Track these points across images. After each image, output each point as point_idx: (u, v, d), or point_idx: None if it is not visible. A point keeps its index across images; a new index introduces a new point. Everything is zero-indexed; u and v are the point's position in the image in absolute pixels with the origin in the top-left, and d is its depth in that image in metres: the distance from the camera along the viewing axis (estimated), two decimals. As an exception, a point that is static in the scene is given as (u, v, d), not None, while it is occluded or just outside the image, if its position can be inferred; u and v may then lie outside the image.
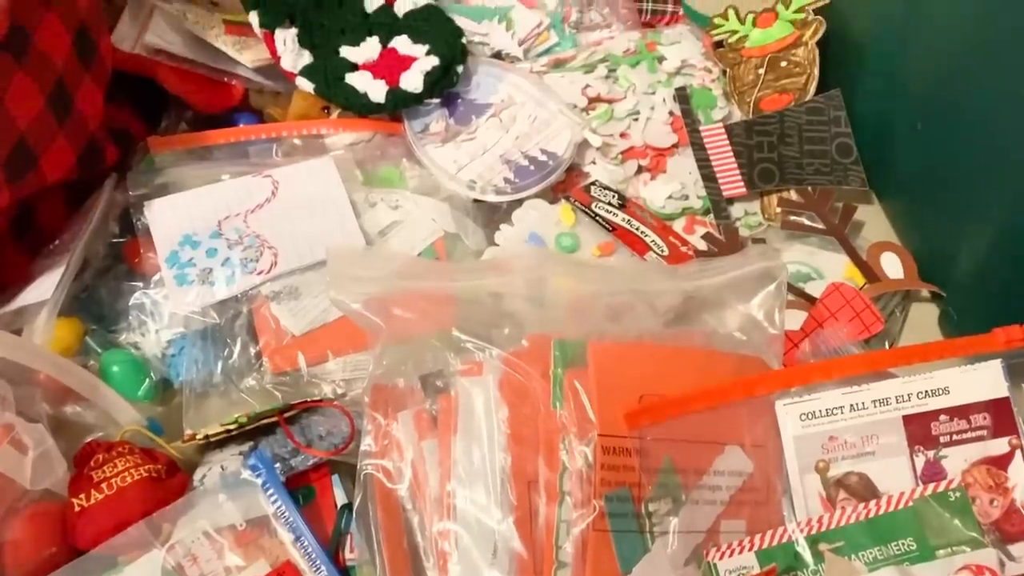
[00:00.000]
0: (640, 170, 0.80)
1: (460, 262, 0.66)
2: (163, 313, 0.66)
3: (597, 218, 0.74)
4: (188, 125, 0.81)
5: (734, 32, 0.88)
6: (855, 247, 0.74)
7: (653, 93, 0.83)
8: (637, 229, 0.74)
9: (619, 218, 0.74)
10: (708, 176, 0.79)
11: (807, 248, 0.75)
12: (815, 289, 0.71)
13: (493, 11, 0.92)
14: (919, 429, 0.52)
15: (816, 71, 0.82)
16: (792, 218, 0.76)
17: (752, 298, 0.56)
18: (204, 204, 0.69)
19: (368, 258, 0.61)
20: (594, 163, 0.80)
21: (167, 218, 0.68)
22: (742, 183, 0.79)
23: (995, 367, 0.52)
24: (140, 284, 0.68)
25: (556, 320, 0.52)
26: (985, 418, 0.52)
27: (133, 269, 0.69)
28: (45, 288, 0.64)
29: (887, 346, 0.69)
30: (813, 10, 0.84)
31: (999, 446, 0.52)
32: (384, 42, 0.81)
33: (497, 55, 0.89)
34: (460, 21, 0.90)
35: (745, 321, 0.55)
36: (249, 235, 0.68)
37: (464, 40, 0.81)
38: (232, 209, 0.69)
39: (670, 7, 0.95)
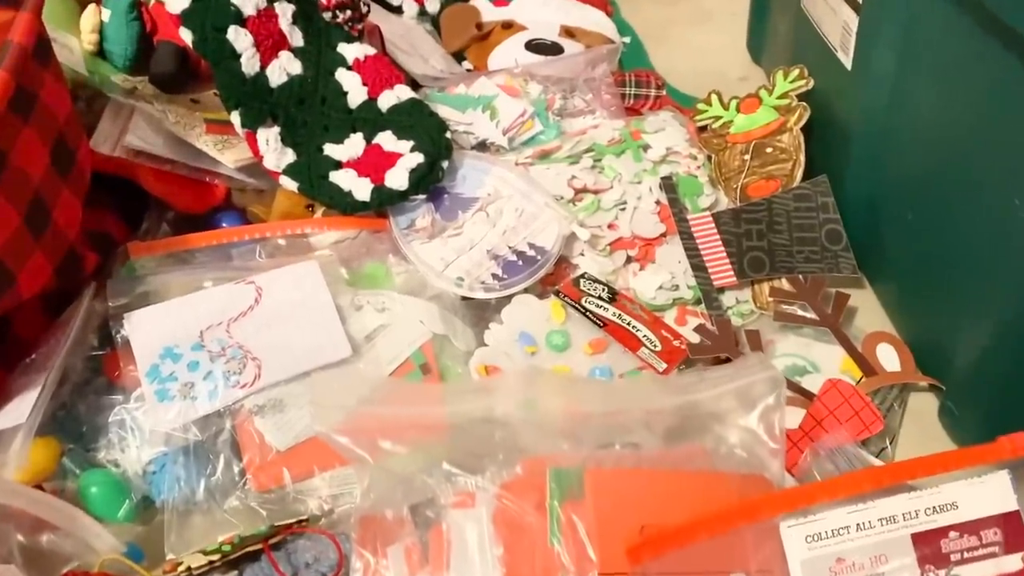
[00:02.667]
0: (629, 260, 0.80)
1: (447, 384, 0.65)
2: (144, 429, 0.64)
3: (588, 314, 0.73)
4: (170, 226, 0.80)
5: (718, 118, 0.88)
6: (850, 337, 0.73)
7: (639, 182, 0.83)
8: (628, 324, 0.73)
9: (610, 313, 0.73)
10: (698, 266, 0.78)
11: (801, 339, 0.74)
12: (812, 384, 0.70)
13: (477, 100, 0.92)
14: (929, 547, 0.50)
15: (802, 157, 0.82)
16: (785, 308, 0.76)
17: (751, 411, 0.55)
18: (185, 314, 0.67)
19: (353, 383, 0.59)
20: (582, 255, 0.79)
21: (147, 330, 0.67)
22: (732, 273, 0.78)
23: (1003, 479, 0.51)
24: (120, 398, 0.66)
25: (550, 443, 0.50)
26: (996, 533, 0.50)
27: (113, 383, 0.67)
28: (21, 411, 0.61)
29: (887, 443, 0.67)
30: (797, 96, 0.84)
31: (1012, 563, 0.50)
32: (368, 138, 0.81)
33: (482, 145, 0.89)
34: (444, 111, 0.90)
35: (745, 436, 0.54)
36: (232, 346, 0.66)
37: (449, 134, 0.81)
38: (214, 318, 0.67)
39: (653, 91, 0.96)
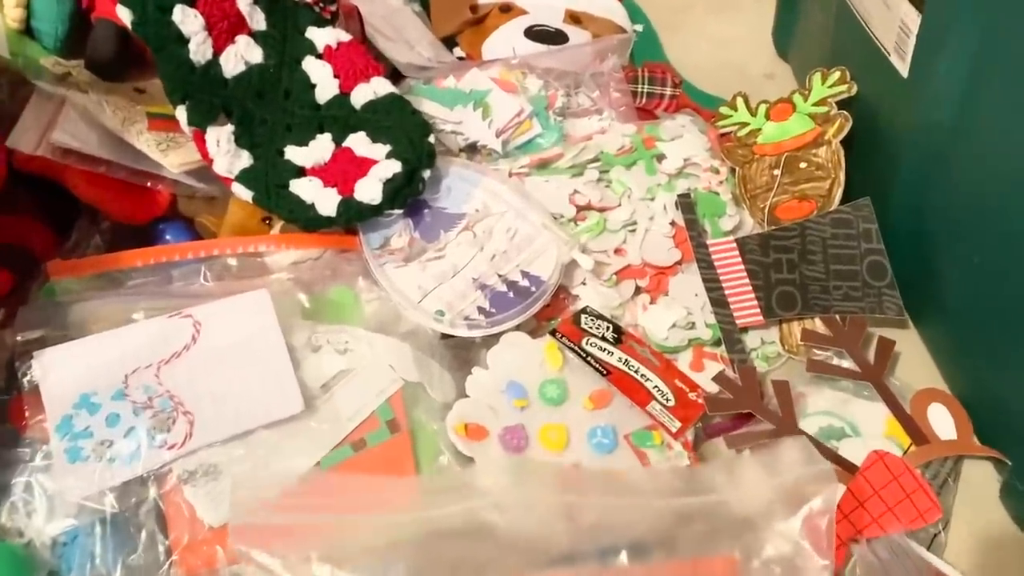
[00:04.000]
0: (638, 291, 0.68)
1: (410, 480, 0.53)
2: (53, 495, 0.53)
3: (589, 359, 0.62)
4: (104, 238, 0.68)
5: (744, 124, 0.76)
6: (895, 394, 0.62)
7: (652, 199, 0.72)
8: (636, 372, 0.62)
9: (615, 358, 0.62)
10: (718, 301, 0.67)
11: (838, 395, 0.63)
12: (851, 451, 0.60)
13: (467, 96, 0.80)
14: None
15: (841, 175, 0.71)
16: (818, 355, 0.65)
17: (793, 515, 0.44)
18: (108, 354, 0.56)
19: (286, 484, 0.47)
20: (584, 284, 0.68)
21: (61, 373, 0.55)
22: (758, 310, 0.67)
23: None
24: (27, 452, 0.55)
25: (543, 557, 0.39)
26: None
27: (19, 434, 0.56)
28: None
29: (940, 528, 0.57)
30: (836, 103, 0.73)
31: None
32: (338, 140, 0.69)
33: (471, 147, 0.78)
34: (429, 107, 0.79)
35: (785, 546, 0.43)
36: (161, 395, 0.55)
37: (432, 137, 0.69)
38: (142, 359, 0.56)
39: (668, 89, 0.84)
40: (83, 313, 0.59)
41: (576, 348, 0.62)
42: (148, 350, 0.57)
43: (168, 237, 0.69)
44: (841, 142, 0.71)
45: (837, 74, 0.73)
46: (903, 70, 0.64)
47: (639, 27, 1.00)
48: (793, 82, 0.97)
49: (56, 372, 0.55)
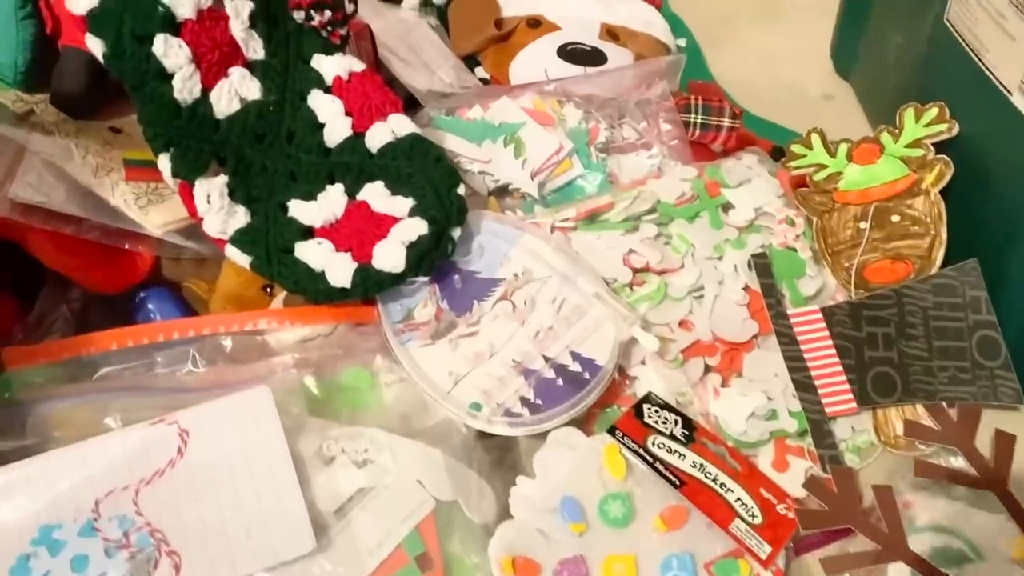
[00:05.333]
0: (707, 371, 0.58)
1: None
2: (3, 659, 0.43)
3: (657, 465, 0.51)
4: (71, 309, 0.58)
5: (821, 167, 0.66)
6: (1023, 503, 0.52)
7: (719, 258, 0.61)
8: (715, 481, 0.51)
9: (687, 462, 0.52)
10: (804, 384, 0.57)
11: (953, 504, 0.53)
12: (974, 578, 0.49)
13: (497, 129, 0.69)
14: None
15: (943, 232, 0.60)
16: (925, 453, 0.54)
17: None
18: (76, 474, 0.46)
19: None
20: (643, 363, 0.58)
21: (18, 499, 0.45)
22: (851, 396, 0.57)
23: None
24: (-24, 594, 0.45)
25: None
26: None
27: (-35, 572, 0.46)
28: None
29: None
30: (934, 145, 0.62)
31: None
32: (351, 192, 0.59)
33: (502, 190, 0.67)
34: (453, 143, 0.68)
35: None
36: (140, 529, 0.44)
37: (462, 188, 0.59)
38: (118, 480, 0.46)
39: (727, 121, 0.73)
40: (45, 417, 0.49)
41: (641, 451, 0.52)
42: (125, 468, 0.46)
43: (151, 306, 0.59)
44: (940, 192, 0.61)
45: (935, 111, 0.63)
46: (1030, 113, 0.53)
47: (681, 41, 0.89)
48: (856, 105, 0.87)
49: (11, 499, 0.45)
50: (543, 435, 0.53)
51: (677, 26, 0.91)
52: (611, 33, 0.81)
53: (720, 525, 0.50)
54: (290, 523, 0.45)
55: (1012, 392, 0.57)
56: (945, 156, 0.61)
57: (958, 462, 0.54)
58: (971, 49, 0.59)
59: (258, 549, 0.44)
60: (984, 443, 0.54)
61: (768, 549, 0.49)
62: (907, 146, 0.63)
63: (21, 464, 0.46)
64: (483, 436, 0.53)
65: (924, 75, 0.67)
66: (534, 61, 0.77)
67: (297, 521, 0.45)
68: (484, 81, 0.78)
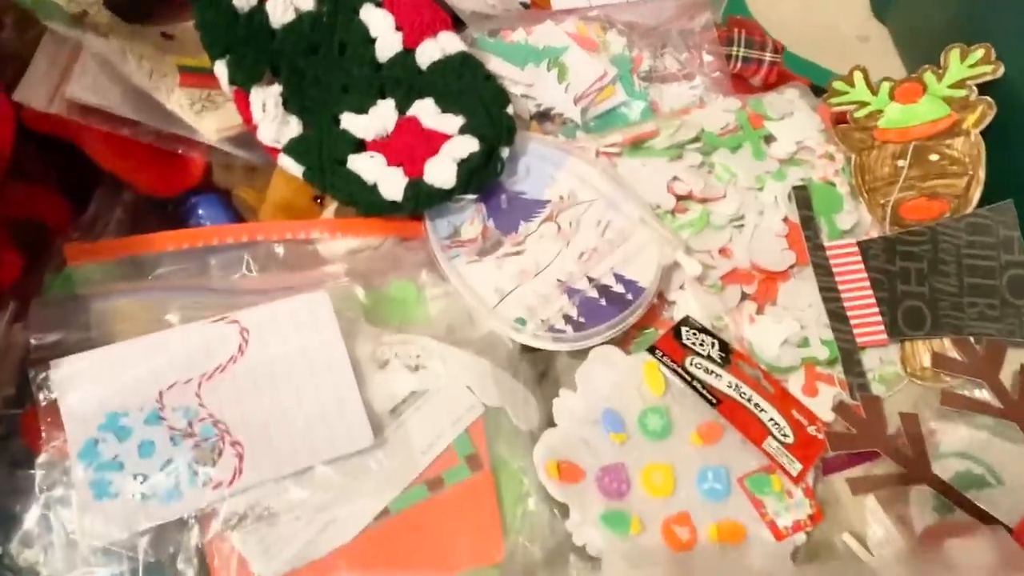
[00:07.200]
0: (743, 298, 0.60)
1: None
2: (73, 536, 0.45)
3: (695, 383, 0.53)
4: (126, 212, 0.59)
5: (863, 104, 0.66)
6: (1043, 435, 0.54)
7: (760, 189, 0.62)
8: (749, 400, 0.53)
9: (724, 383, 0.54)
10: (837, 314, 0.59)
11: (976, 433, 0.55)
12: (992, 502, 0.52)
13: (540, 53, 0.69)
14: None
15: (981, 173, 0.61)
16: (951, 385, 0.56)
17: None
18: (140, 365, 0.47)
19: None
20: (682, 288, 0.59)
21: (84, 388, 0.47)
22: (882, 328, 0.58)
23: None
24: (42, 475, 0.47)
25: None
26: None
27: (34, 455, 0.48)
28: None
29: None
30: (977, 87, 0.63)
31: None
32: (402, 108, 0.59)
33: (543, 115, 0.68)
34: (496, 65, 0.68)
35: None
36: (204, 420, 0.46)
37: (511, 109, 0.59)
38: (180, 374, 0.47)
39: (768, 55, 0.73)
40: (107, 311, 0.50)
41: (679, 370, 0.54)
42: (187, 362, 0.48)
43: (201, 212, 0.60)
44: (981, 133, 0.62)
45: (980, 52, 0.63)
46: (1080, 56, 0.54)
47: (721, -24, 0.88)
48: (891, 47, 0.86)
49: (78, 386, 0.46)
50: (583, 352, 0.54)
51: (717, -40, 0.91)
52: (654, -38, 0.80)
53: (754, 442, 0.52)
54: (349, 419, 0.47)
55: (1038, 330, 0.58)
56: (988, 97, 0.62)
57: (982, 395, 0.56)
58: (1023, -10, 0.59)
59: (318, 443, 0.46)
60: (1007, 377, 0.56)
61: (799, 467, 0.52)
62: (950, 86, 0.64)
63: (88, 354, 0.47)
64: (526, 351, 0.55)
65: (963, 15, 0.67)
66: (576, -14, 0.77)
67: (356, 417, 0.47)
68: (524, 5, 0.78)
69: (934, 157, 0.62)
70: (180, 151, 0.58)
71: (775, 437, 0.52)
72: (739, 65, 0.73)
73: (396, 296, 0.56)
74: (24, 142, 0.55)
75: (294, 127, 0.57)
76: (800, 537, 0.50)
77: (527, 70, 0.69)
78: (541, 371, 0.55)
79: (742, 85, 0.74)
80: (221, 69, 0.55)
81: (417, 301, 0.56)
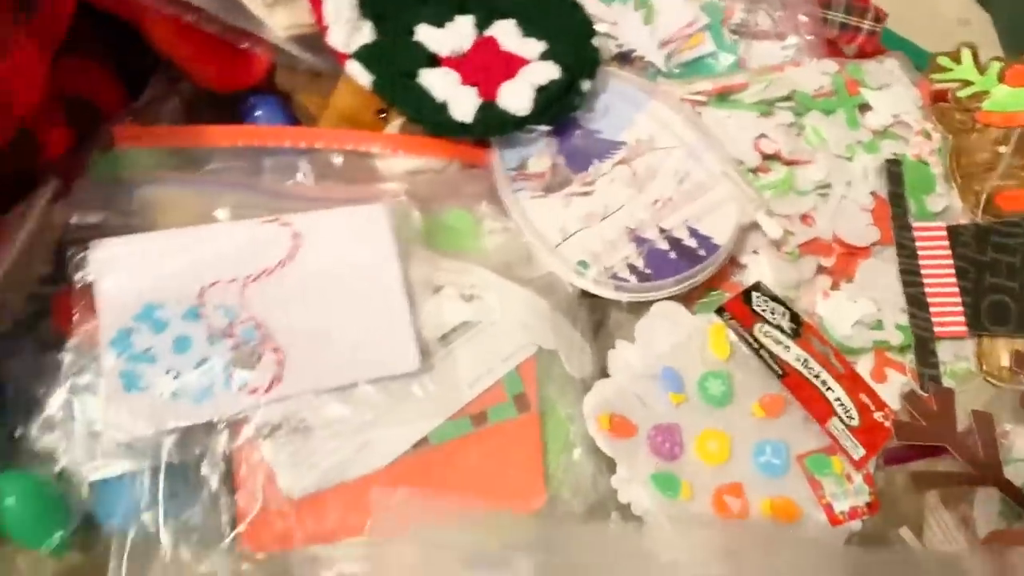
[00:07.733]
0: (819, 271, 0.56)
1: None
2: (98, 427, 0.43)
3: (762, 352, 0.50)
4: (183, 103, 0.56)
5: (967, 83, 0.62)
6: None
7: (850, 159, 0.58)
8: (817, 377, 0.50)
9: (792, 355, 0.50)
10: (916, 300, 0.55)
11: (1057, 443, 0.52)
12: (1067, 515, 0.48)
13: (628, -9, 0.65)
14: None
15: (1090, 168, 0.57)
16: (1030, 387, 0.53)
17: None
18: (182, 257, 0.45)
19: None
20: (756, 253, 0.55)
21: (122, 273, 0.44)
22: (963, 319, 0.55)
23: None
24: (69, 359, 0.44)
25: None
26: None
27: (63, 337, 0.45)
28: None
29: None
30: (1097, 75, 0.59)
31: None
32: (481, 25, 0.56)
33: (623, 56, 0.64)
34: (580, -1, 0.64)
35: None
36: (245, 322, 0.44)
37: (596, 41, 0.56)
38: (224, 271, 0.45)
39: (867, 24, 0.69)
40: (153, 198, 0.48)
41: (747, 336, 0.50)
42: (233, 260, 0.45)
43: (259, 114, 0.57)
44: (1094, 126, 0.58)
45: (1105, 39, 0.59)
46: None
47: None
48: (992, 32, 0.82)
49: (116, 271, 0.44)
50: (643, 306, 0.51)
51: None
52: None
53: (818, 421, 0.49)
54: (397, 340, 0.44)
55: None
56: (1107, 88, 0.58)
57: (1066, 404, 0.53)
58: None
59: (363, 361, 0.44)
60: (1093, 388, 0.53)
61: (862, 452, 0.48)
62: (1067, 73, 0.59)
63: (127, 239, 0.45)
64: (585, 297, 0.52)
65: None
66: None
67: (405, 339, 0.44)
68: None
69: (1040, 147, 0.58)
70: (245, 46, 0.55)
71: (840, 418, 0.49)
72: (836, 31, 0.69)
73: (452, 225, 0.53)
74: (85, 17, 0.52)
75: (366, 33, 0.54)
76: (856, 524, 0.47)
77: (613, 8, 0.65)
78: (597, 320, 0.52)
79: (834, 52, 0.69)
80: (297, -39, 0.52)
81: (473, 233, 0.53)
